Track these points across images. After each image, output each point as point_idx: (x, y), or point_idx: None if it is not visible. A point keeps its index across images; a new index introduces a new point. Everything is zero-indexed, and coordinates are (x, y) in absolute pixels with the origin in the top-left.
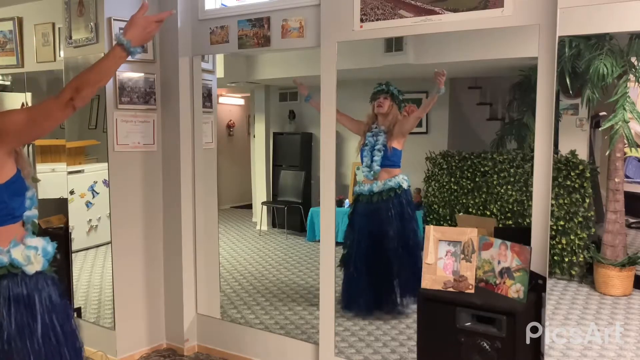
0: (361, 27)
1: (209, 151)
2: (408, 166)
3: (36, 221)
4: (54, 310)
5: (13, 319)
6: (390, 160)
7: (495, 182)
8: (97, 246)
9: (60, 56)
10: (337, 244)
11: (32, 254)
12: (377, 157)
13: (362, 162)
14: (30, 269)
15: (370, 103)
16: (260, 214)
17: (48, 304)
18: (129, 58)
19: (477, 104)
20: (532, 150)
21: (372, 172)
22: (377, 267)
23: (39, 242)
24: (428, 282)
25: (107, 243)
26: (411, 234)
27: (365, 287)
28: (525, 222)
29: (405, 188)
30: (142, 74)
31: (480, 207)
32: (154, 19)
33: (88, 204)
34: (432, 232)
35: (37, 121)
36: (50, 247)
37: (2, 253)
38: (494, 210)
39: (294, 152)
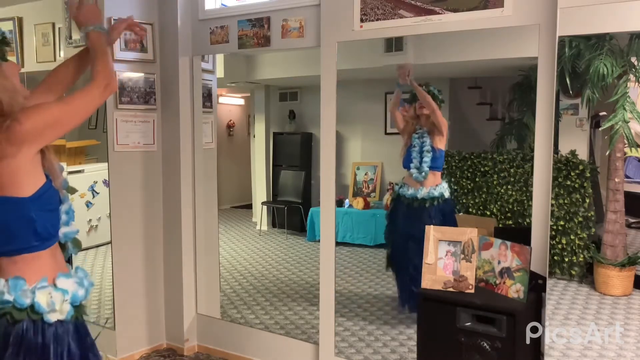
0: (361, 27)
1: (209, 151)
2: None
3: (78, 239)
4: None
5: None
6: (437, 162)
7: (495, 182)
8: (97, 246)
9: (60, 56)
10: (337, 243)
11: (58, 300)
12: (427, 158)
13: (406, 163)
14: (52, 317)
15: (410, 105)
16: (260, 214)
17: (65, 357)
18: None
19: (477, 104)
20: (532, 150)
21: (422, 174)
22: (411, 270)
23: (70, 285)
24: (428, 282)
25: (107, 243)
26: None
27: (403, 285)
28: (525, 222)
29: (447, 197)
30: (142, 74)
31: (480, 207)
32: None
33: (88, 204)
34: (432, 232)
35: (76, 111)
36: (82, 291)
37: (25, 293)
38: (494, 210)
39: (294, 152)
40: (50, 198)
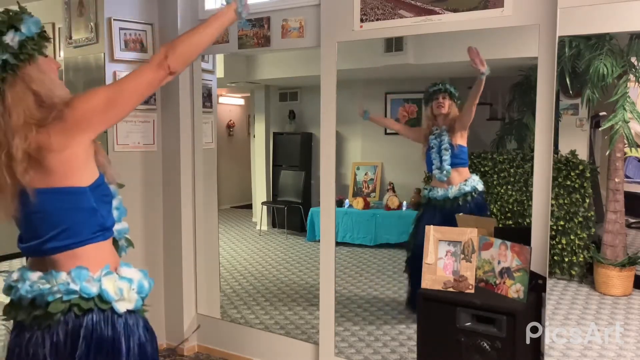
0: (361, 27)
1: (209, 151)
2: (408, 166)
3: (128, 237)
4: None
5: None
6: (459, 158)
7: (495, 182)
8: None
9: (60, 56)
10: (337, 243)
11: (125, 288)
12: (446, 156)
13: (428, 167)
14: (121, 307)
15: (427, 105)
16: (260, 214)
17: (136, 352)
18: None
19: (477, 103)
20: (532, 150)
21: (444, 173)
22: None
23: (135, 274)
24: (428, 282)
25: None
26: None
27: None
28: (525, 222)
29: (481, 190)
30: None
31: None
32: None
33: None
34: (432, 232)
35: (127, 91)
36: (147, 282)
37: (90, 281)
38: (494, 210)
39: (294, 152)
40: (107, 189)
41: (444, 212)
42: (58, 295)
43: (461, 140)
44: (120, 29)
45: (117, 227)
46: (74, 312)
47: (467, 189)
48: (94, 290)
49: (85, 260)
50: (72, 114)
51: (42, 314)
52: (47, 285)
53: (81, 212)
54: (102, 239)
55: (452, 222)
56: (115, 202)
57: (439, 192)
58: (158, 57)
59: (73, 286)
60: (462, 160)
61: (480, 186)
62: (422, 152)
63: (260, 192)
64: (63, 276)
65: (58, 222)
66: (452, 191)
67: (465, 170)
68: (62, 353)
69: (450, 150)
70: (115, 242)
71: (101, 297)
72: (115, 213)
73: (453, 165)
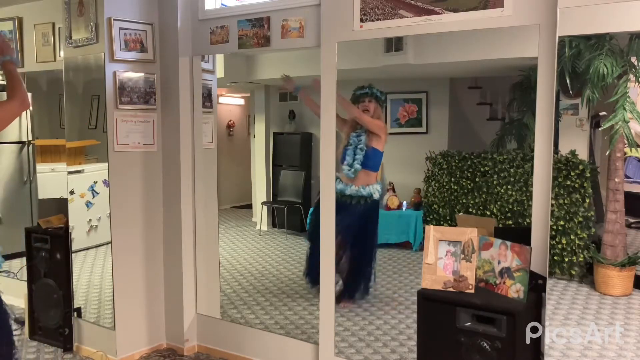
0: (361, 27)
1: (209, 151)
2: (408, 166)
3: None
4: None
5: None
6: (371, 160)
7: (495, 182)
8: (97, 246)
9: (60, 56)
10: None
11: None
12: (359, 155)
13: (342, 162)
14: None
15: (359, 103)
16: (260, 214)
17: None
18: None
19: (477, 104)
20: (532, 150)
21: (352, 170)
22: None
23: None
24: (428, 282)
25: (107, 243)
26: (368, 240)
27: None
28: (525, 222)
29: (376, 199)
30: (142, 74)
31: (480, 207)
32: None
33: (88, 204)
34: (432, 232)
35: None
36: None
37: None
38: (494, 210)
39: (294, 152)
40: None
41: (337, 205)
42: None
43: (378, 145)
44: (120, 28)
45: None
46: None
47: (364, 192)
48: None
49: None
50: None
51: None
52: None
53: None
54: None
55: (342, 216)
56: None
57: (339, 186)
58: (19, 98)
59: None
60: (374, 164)
61: (376, 195)
62: (340, 147)
63: (260, 192)
64: None
65: None
66: (350, 189)
67: (373, 175)
68: None
69: (364, 152)
70: None
71: None
72: None
73: (364, 166)
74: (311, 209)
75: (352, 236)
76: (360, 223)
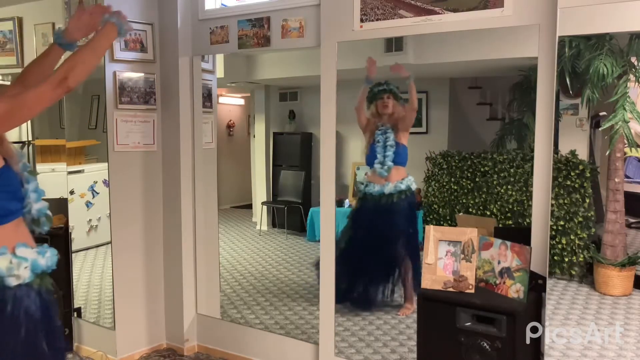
0: (361, 27)
1: (209, 151)
2: (408, 165)
3: (49, 214)
4: (28, 324)
5: None
6: (401, 157)
7: (495, 182)
8: (97, 246)
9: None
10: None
11: (15, 266)
12: (390, 152)
13: (368, 161)
14: (12, 281)
15: (370, 103)
16: (260, 214)
17: (22, 317)
18: (119, 38)
19: (477, 104)
20: (532, 150)
21: (385, 168)
22: (377, 267)
23: (30, 253)
24: (428, 282)
25: (107, 243)
26: (412, 236)
27: (363, 283)
28: (525, 222)
29: (413, 189)
30: (142, 74)
31: (480, 207)
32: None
33: (88, 204)
34: (432, 232)
35: (25, 107)
36: (44, 260)
37: None
38: (494, 210)
39: (294, 152)
40: (9, 179)
41: (378, 208)
42: None
43: (404, 140)
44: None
45: (37, 206)
46: None
47: (402, 187)
48: None
49: None
50: None
51: None
52: None
53: None
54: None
55: (386, 217)
56: (31, 186)
57: (375, 188)
58: (58, 76)
59: None
60: (403, 159)
61: (414, 185)
62: (365, 146)
63: (260, 192)
64: None
65: None
66: (388, 188)
67: (403, 170)
68: None
69: (394, 148)
70: (37, 221)
71: None
72: (33, 195)
73: (394, 162)
74: (311, 210)
75: (402, 234)
76: (408, 218)
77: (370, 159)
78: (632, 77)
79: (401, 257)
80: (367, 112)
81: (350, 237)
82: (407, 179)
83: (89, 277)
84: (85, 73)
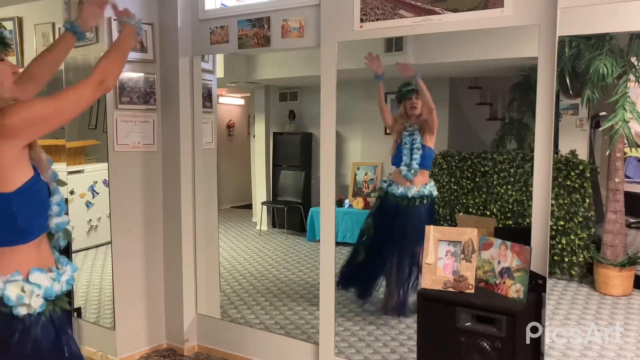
0: (361, 27)
1: (209, 151)
2: None
3: (69, 229)
4: (35, 354)
5: None
6: (427, 160)
7: (495, 182)
8: (97, 246)
9: None
10: (337, 243)
11: (27, 294)
12: (417, 155)
13: (394, 161)
14: (20, 311)
15: (400, 103)
16: (260, 214)
17: (29, 348)
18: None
19: (477, 104)
20: (532, 150)
21: (412, 172)
22: (397, 269)
23: (44, 280)
24: (428, 282)
25: (107, 243)
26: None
27: (372, 276)
28: (525, 222)
29: (435, 196)
30: (142, 74)
31: (480, 207)
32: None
33: (88, 204)
34: (432, 232)
35: (66, 108)
36: (59, 286)
37: None
38: (494, 210)
39: (294, 152)
40: (38, 191)
41: (399, 209)
42: None
43: (430, 142)
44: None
45: (56, 220)
46: None
47: (425, 192)
48: None
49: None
50: (6, 122)
51: None
52: None
53: None
54: (19, 242)
55: (406, 221)
56: (55, 198)
57: (399, 189)
58: (97, 77)
59: None
60: (428, 163)
61: (435, 192)
62: (392, 145)
63: (260, 192)
64: None
65: None
66: (412, 191)
67: (427, 174)
68: None
69: (422, 151)
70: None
71: (2, 301)
72: (55, 208)
73: (420, 166)
74: (311, 210)
75: (421, 241)
76: (428, 223)
77: (396, 160)
78: (632, 77)
79: (418, 264)
80: (395, 112)
81: (370, 237)
82: (429, 184)
83: (89, 277)
84: (119, 73)
